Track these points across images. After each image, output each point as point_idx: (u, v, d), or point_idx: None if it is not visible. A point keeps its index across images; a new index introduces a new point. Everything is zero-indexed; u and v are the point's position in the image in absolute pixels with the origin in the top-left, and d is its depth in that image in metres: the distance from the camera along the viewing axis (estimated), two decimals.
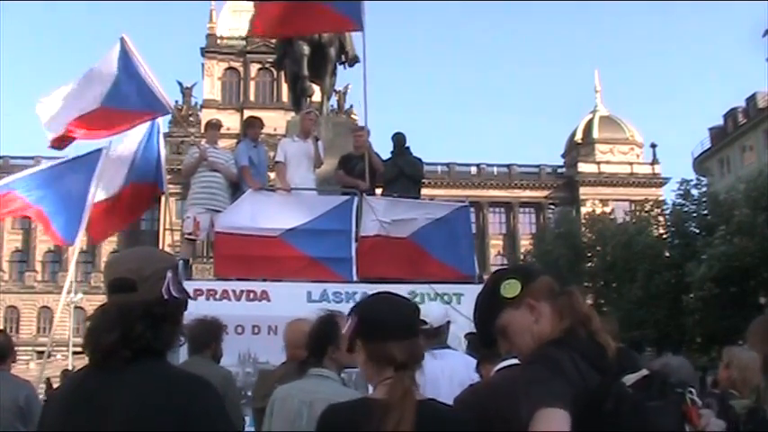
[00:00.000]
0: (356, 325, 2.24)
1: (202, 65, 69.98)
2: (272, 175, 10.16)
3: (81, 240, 8.25)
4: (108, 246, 66.16)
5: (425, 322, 4.50)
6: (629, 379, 1.91)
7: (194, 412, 1.92)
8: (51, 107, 8.46)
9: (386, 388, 2.13)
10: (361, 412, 2.07)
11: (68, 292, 48.72)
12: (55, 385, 20.43)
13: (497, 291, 2.14)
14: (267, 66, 60.42)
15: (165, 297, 2.02)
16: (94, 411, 1.94)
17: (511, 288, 2.12)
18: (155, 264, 2.07)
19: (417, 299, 7.15)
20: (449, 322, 4.82)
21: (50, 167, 8.54)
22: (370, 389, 2.33)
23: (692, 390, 1.94)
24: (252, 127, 9.59)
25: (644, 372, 1.94)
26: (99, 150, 8.44)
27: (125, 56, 8.54)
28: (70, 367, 26.39)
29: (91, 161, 8.30)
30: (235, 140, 51.65)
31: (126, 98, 8.42)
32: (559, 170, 71.16)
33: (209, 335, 4.84)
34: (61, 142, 8.55)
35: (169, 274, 2.05)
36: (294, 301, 7.11)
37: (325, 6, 9.21)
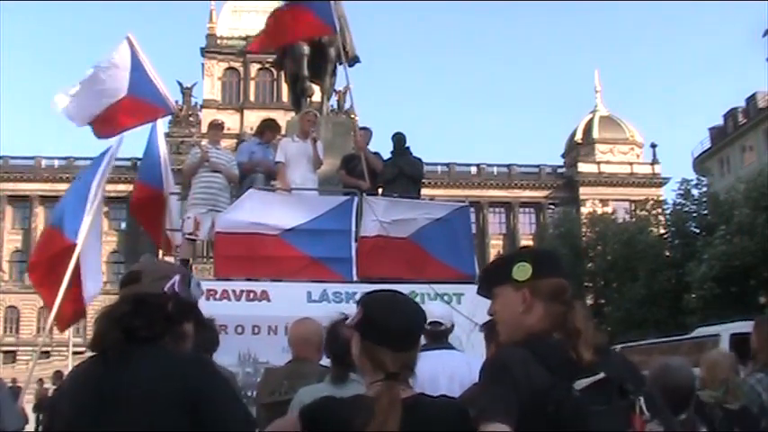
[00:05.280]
0: (360, 319, 2.23)
1: (202, 65, 70.00)
2: None
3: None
4: (108, 246, 66.22)
5: (441, 323, 4.53)
6: (582, 383, 1.92)
7: (198, 389, 2.00)
8: (74, 100, 8.31)
9: (375, 391, 2.13)
10: (351, 410, 2.08)
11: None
12: (45, 385, 20.43)
13: (511, 265, 2.20)
14: (267, 66, 60.40)
15: (165, 290, 2.15)
16: (101, 396, 2.01)
17: (520, 272, 2.17)
18: (163, 267, 2.30)
19: (417, 299, 7.12)
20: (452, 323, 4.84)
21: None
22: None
23: (641, 398, 1.95)
24: (269, 130, 9.86)
25: (600, 376, 1.95)
26: (104, 153, 8.39)
27: (132, 54, 8.58)
28: (70, 368, 26.26)
29: (96, 164, 8.28)
30: (235, 140, 51.69)
31: (141, 90, 8.46)
32: (559, 170, 71.15)
33: (213, 341, 4.79)
34: (103, 130, 8.46)
35: (177, 277, 2.20)
36: (294, 301, 7.10)
37: (308, 11, 9.50)
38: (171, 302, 2.15)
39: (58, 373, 18.97)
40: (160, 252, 9.30)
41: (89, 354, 2.19)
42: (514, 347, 2.05)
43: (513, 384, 1.92)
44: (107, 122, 8.37)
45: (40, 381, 18.99)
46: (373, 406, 2.05)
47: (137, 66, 8.45)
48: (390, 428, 2.01)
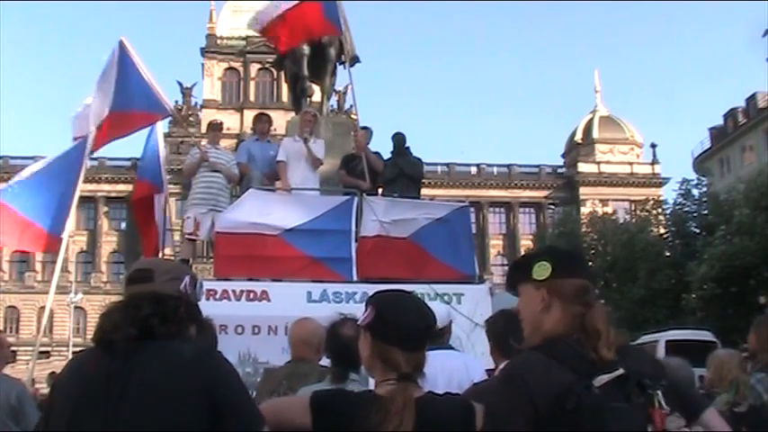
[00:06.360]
0: (372, 319, 2.21)
1: (202, 65, 69.96)
2: None
3: (80, 241, 8.33)
4: (108, 246, 66.22)
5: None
6: (602, 379, 1.92)
7: (215, 385, 2.00)
8: (80, 115, 8.67)
9: (388, 391, 2.12)
10: (365, 407, 2.07)
11: (66, 293, 48.77)
12: (37, 385, 20.36)
13: (531, 263, 2.18)
14: (267, 66, 60.37)
15: (178, 294, 2.14)
16: (108, 391, 1.98)
17: (539, 271, 2.15)
18: (174, 267, 2.27)
19: None
20: (451, 322, 4.82)
21: (34, 174, 8.41)
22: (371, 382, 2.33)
23: (659, 392, 1.94)
24: (259, 122, 10.12)
25: (619, 372, 1.94)
26: (78, 148, 8.41)
27: (125, 59, 8.56)
28: None
29: (72, 159, 8.33)
30: (235, 140, 51.64)
31: (131, 100, 8.47)
32: (559, 170, 71.14)
33: (213, 341, 4.77)
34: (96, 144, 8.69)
35: (186, 278, 2.18)
36: (294, 301, 7.11)
37: (318, 10, 9.54)
38: (183, 304, 2.15)
39: (53, 375, 18.86)
40: (160, 253, 9.28)
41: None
42: (533, 354, 2.03)
43: (528, 396, 1.91)
44: (98, 136, 8.51)
45: (32, 381, 18.94)
46: (386, 405, 2.05)
47: (131, 72, 8.45)
48: (405, 429, 2.01)
